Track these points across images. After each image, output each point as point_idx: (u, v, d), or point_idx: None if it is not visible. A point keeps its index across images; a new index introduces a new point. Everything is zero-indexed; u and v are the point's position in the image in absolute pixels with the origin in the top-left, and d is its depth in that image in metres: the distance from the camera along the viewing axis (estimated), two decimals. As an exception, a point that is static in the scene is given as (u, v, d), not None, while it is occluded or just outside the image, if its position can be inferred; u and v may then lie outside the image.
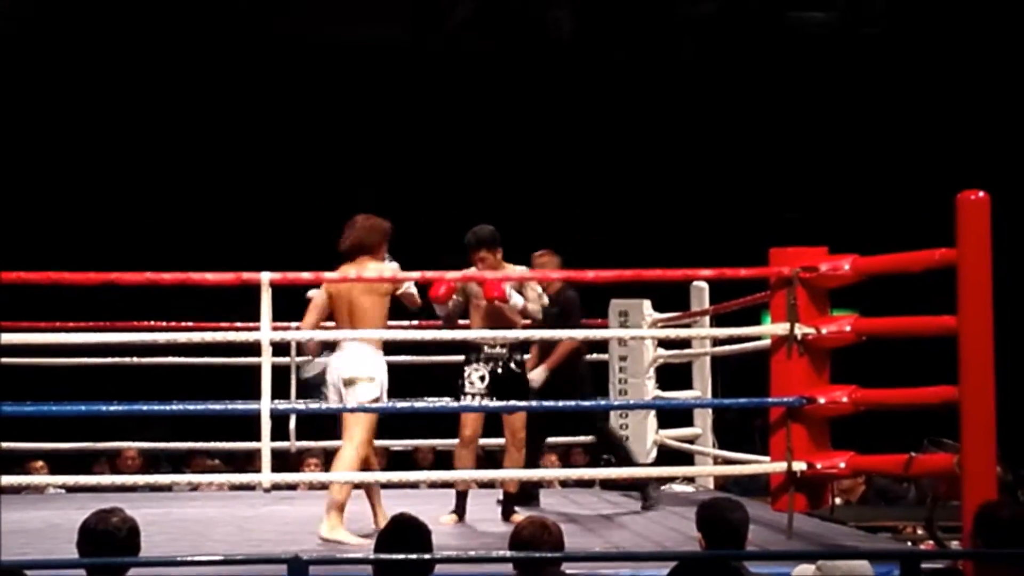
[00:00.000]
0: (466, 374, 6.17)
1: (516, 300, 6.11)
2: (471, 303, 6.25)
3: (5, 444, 7.94)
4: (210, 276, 5.88)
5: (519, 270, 6.20)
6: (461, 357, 6.29)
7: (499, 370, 6.15)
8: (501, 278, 6.03)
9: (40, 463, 8.69)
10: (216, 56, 12.06)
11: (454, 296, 6.20)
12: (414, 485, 8.20)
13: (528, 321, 6.31)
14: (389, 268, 5.83)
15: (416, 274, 5.85)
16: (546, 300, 6.27)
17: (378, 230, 5.88)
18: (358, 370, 5.73)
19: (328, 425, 9.85)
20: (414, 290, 5.91)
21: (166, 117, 12.18)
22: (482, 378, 6.14)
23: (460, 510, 6.28)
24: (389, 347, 6.73)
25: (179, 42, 12.01)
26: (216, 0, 12.07)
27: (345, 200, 11.93)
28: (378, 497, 5.97)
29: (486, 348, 6.17)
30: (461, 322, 6.36)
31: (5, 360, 7.13)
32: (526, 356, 6.31)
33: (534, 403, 6.21)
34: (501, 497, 6.36)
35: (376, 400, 5.73)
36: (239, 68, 12.12)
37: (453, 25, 12.17)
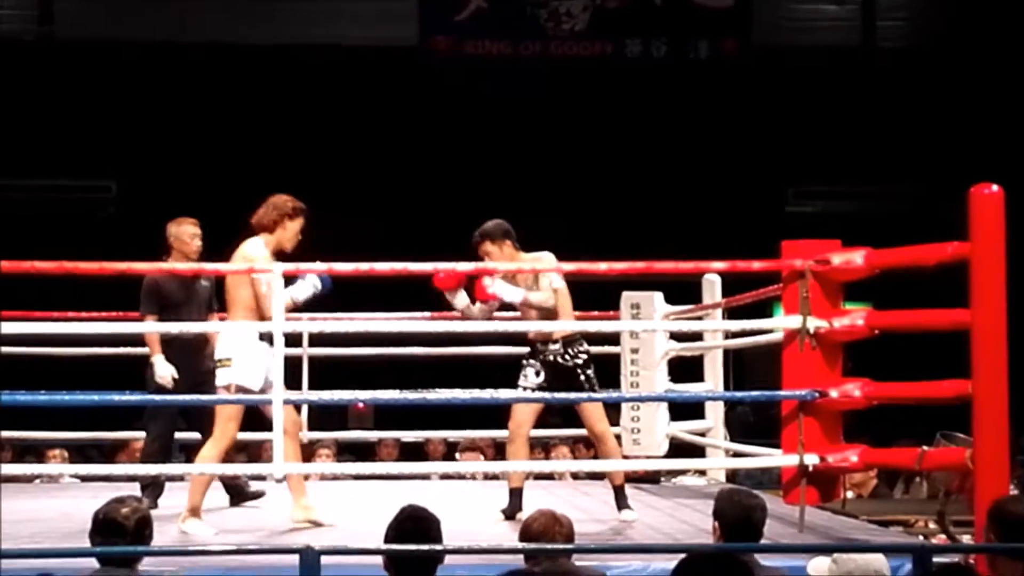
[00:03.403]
0: (522, 371, 6.11)
1: (509, 296, 5.98)
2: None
3: (23, 434, 7.97)
4: (224, 267, 5.90)
5: (533, 257, 6.03)
6: (481, 349, 6.22)
7: (554, 365, 6.04)
8: (485, 272, 5.93)
9: (56, 452, 8.71)
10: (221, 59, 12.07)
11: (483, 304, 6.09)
12: (425, 477, 8.22)
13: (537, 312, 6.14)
14: (259, 251, 5.71)
15: (320, 266, 5.64)
16: (559, 284, 6.08)
17: (277, 208, 5.76)
18: (223, 352, 5.68)
19: (341, 416, 9.88)
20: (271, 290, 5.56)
21: (175, 111, 12.19)
22: (537, 373, 6.05)
23: (512, 509, 6.07)
24: (403, 339, 6.70)
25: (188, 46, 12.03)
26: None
27: (359, 197, 11.94)
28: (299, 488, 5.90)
29: (539, 344, 6.06)
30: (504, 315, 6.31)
31: (19, 350, 7.14)
32: (583, 349, 6.11)
33: (554, 395, 6.12)
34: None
35: (235, 387, 5.64)
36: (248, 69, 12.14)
37: (463, 20, 12.14)
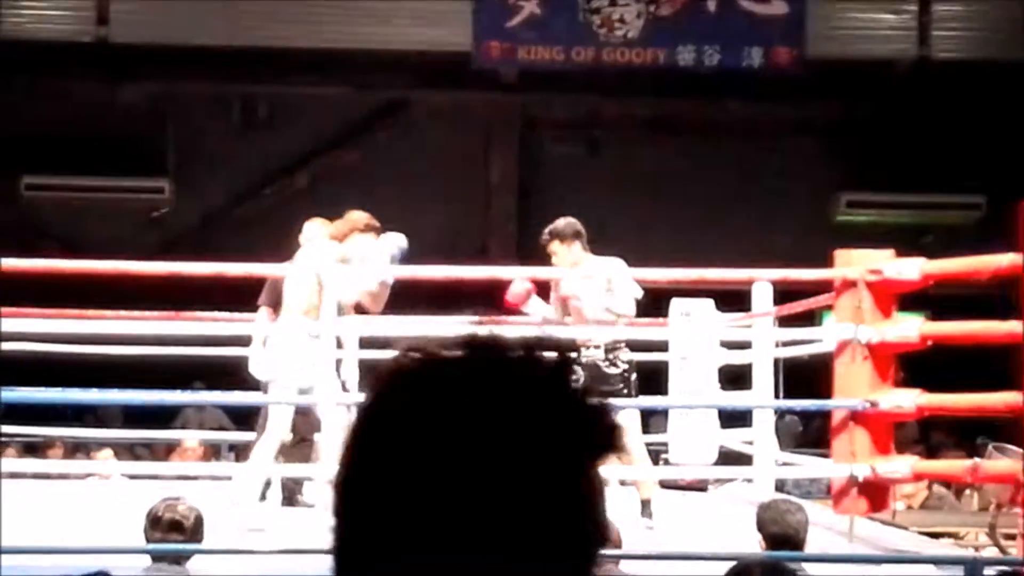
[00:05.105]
0: None
1: (537, 309, 5.93)
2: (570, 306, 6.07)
3: (73, 431, 8.05)
4: (277, 270, 5.94)
5: (600, 263, 6.01)
6: None
7: (594, 370, 5.94)
8: (522, 287, 5.94)
9: (105, 452, 8.79)
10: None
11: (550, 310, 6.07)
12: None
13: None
14: (328, 252, 5.78)
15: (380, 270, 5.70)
16: (639, 293, 5.99)
17: (350, 221, 5.89)
18: (270, 356, 5.79)
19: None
20: (364, 292, 5.69)
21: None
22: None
23: None
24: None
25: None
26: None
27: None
28: None
29: (583, 350, 5.96)
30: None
31: (71, 348, 7.21)
32: (626, 356, 6.04)
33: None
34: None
35: (282, 385, 5.70)
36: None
37: (515, 25, 12.15)
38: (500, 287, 6.28)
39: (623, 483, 6.07)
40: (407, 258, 5.85)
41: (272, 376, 5.75)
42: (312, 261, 5.78)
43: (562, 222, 6.03)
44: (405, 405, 0.90)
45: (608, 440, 0.91)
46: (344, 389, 6.06)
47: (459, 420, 0.88)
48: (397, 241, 5.81)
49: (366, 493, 0.89)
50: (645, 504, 6.08)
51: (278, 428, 5.74)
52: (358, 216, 5.91)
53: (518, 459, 0.87)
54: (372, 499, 0.89)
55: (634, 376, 6.04)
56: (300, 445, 6.44)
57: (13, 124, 11.49)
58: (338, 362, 6.02)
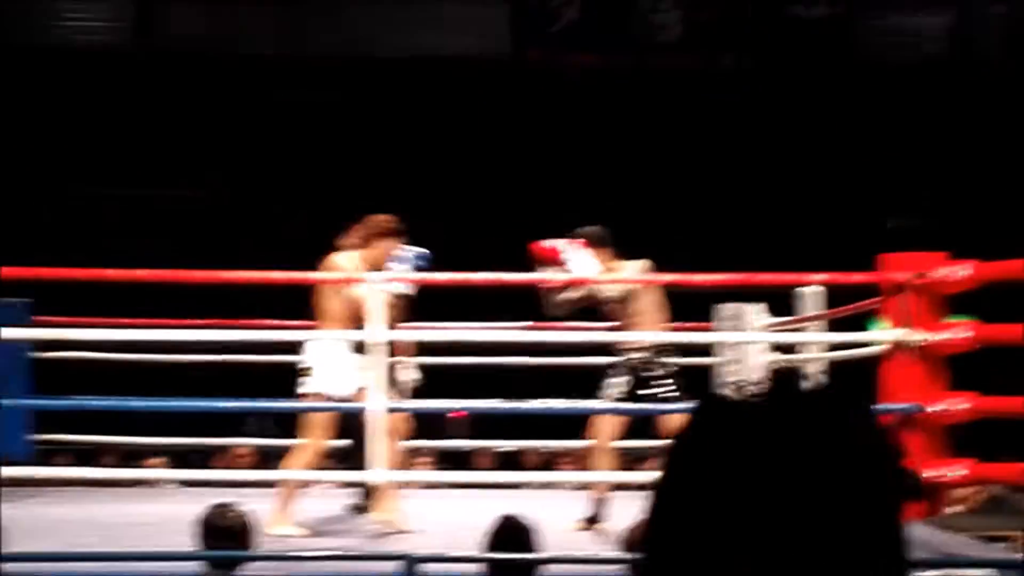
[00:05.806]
0: (607, 382, 6.10)
1: (576, 265, 5.95)
2: (604, 307, 6.13)
3: (129, 439, 8.11)
4: (318, 276, 5.96)
5: (633, 266, 6.06)
6: (578, 360, 6.24)
7: (638, 376, 6.00)
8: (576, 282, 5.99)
9: (159, 459, 8.84)
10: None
11: (569, 292, 6.13)
12: (517, 486, 8.21)
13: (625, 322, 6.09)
14: (348, 263, 5.80)
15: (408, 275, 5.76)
16: (626, 288, 6.04)
17: (371, 226, 5.88)
18: (306, 361, 5.77)
19: (440, 425, 9.94)
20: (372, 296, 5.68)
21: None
22: (619, 384, 6.04)
23: (594, 517, 5.98)
24: (500, 349, 6.74)
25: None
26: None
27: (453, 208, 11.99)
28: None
29: (626, 350, 6.03)
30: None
31: (128, 356, 7.26)
32: (672, 359, 6.05)
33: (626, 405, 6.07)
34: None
35: (317, 394, 5.70)
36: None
37: (556, 31, 12.15)
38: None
39: None
40: (429, 267, 5.92)
41: (307, 387, 5.76)
42: (339, 270, 5.79)
43: (591, 228, 6.09)
44: (726, 441, 0.90)
45: (917, 485, 0.95)
46: (400, 396, 6.07)
47: (777, 459, 0.88)
48: (406, 254, 5.88)
49: (683, 520, 0.90)
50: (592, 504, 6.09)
51: (313, 439, 5.74)
52: (379, 219, 5.93)
53: (845, 499, 0.88)
54: (690, 527, 0.89)
55: (673, 381, 6.04)
56: (356, 451, 6.45)
57: (56, 132, 11.60)
58: (392, 367, 6.03)
